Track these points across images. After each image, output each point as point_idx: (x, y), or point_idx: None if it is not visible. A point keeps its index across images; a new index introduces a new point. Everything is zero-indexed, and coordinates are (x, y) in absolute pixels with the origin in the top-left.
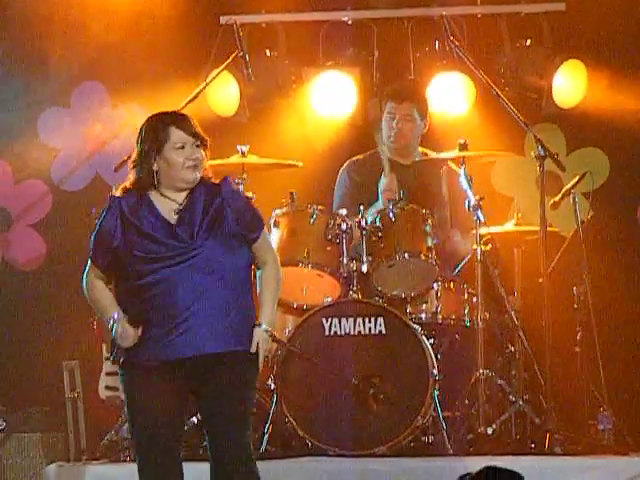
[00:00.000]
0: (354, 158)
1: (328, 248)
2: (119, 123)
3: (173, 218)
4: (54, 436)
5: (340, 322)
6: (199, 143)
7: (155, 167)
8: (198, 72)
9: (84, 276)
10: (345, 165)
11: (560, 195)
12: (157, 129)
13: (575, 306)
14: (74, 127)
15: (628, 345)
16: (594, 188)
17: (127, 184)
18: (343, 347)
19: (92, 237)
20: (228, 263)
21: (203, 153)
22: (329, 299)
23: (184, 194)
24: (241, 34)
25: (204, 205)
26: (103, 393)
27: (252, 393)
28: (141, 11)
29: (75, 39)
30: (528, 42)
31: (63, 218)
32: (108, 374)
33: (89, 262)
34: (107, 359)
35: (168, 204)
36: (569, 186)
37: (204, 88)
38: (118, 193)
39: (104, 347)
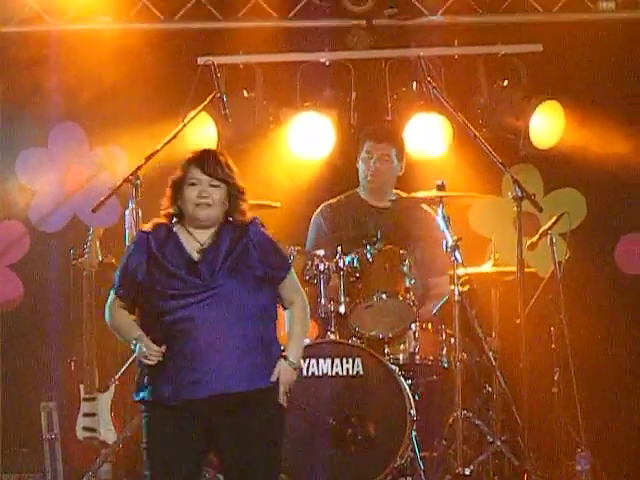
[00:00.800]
0: (328, 202)
1: (305, 289)
2: (97, 164)
3: (196, 255)
4: (32, 477)
5: (318, 363)
6: (216, 183)
7: (179, 203)
8: (176, 113)
9: (107, 306)
10: (319, 209)
11: (537, 236)
12: (182, 166)
13: (553, 346)
14: (52, 168)
15: (605, 385)
16: (571, 228)
17: (159, 218)
18: (321, 388)
19: (118, 270)
20: (251, 302)
21: (222, 193)
22: (307, 340)
23: (210, 232)
24: (219, 75)
25: (229, 244)
26: (80, 434)
27: (279, 434)
28: (119, 52)
29: (53, 80)
30: (505, 83)
31: (41, 259)
32: (85, 415)
33: (112, 293)
34: (85, 400)
35: (193, 241)
36: (546, 227)
37: (182, 129)
38: (148, 227)
39: (81, 388)
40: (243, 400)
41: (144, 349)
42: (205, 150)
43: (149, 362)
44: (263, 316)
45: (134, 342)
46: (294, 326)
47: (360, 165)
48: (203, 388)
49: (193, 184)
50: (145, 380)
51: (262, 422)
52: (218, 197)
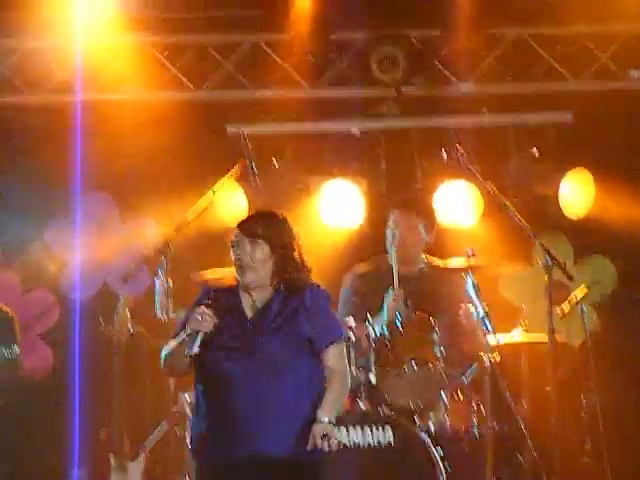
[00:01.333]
0: (356, 271)
1: None
2: (127, 233)
3: (249, 313)
4: None
5: (348, 432)
6: (256, 240)
7: None
8: (206, 182)
9: (163, 351)
10: (347, 278)
11: (568, 305)
12: None
13: (583, 415)
14: (82, 237)
15: (637, 456)
16: (601, 296)
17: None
18: (351, 458)
19: (181, 320)
20: (294, 365)
21: (264, 251)
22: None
23: (268, 292)
24: (248, 144)
25: (279, 305)
26: None
27: None
28: (149, 122)
29: (83, 150)
30: (535, 151)
31: (71, 328)
32: None
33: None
34: (115, 469)
35: (250, 300)
36: (577, 298)
37: (212, 199)
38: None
39: (111, 458)
40: (281, 464)
41: (195, 315)
42: (252, 215)
43: (203, 328)
44: (307, 381)
45: (187, 335)
46: (329, 393)
47: (388, 233)
48: (242, 449)
49: (234, 244)
50: (193, 436)
51: None
52: (259, 256)
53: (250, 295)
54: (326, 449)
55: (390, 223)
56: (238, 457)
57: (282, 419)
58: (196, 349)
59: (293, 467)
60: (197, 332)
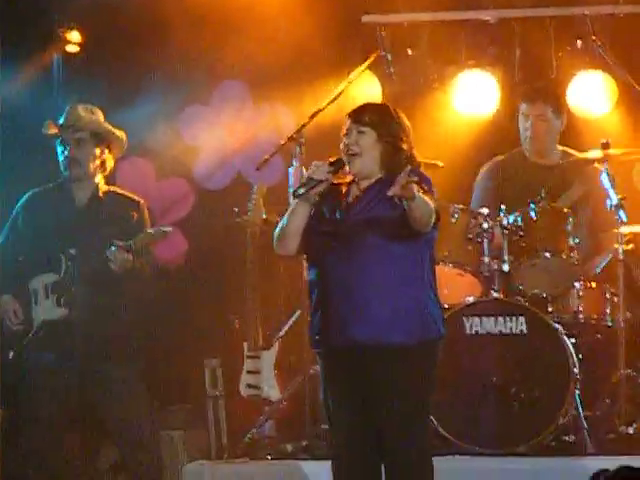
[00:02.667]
0: (496, 159)
1: (469, 247)
2: (261, 122)
3: (349, 200)
4: (195, 434)
5: (481, 321)
6: (363, 129)
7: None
8: (341, 71)
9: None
10: (485, 167)
11: None
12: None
13: None
14: (215, 126)
15: None
16: None
17: None
18: (484, 346)
19: None
20: (391, 250)
21: (369, 139)
22: (470, 298)
23: (373, 181)
24: (383, 33)
25: (377, 192)
26: (244, 391)
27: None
28: (283, 12)
29: (217, 38)
30: None
31: (205, 217)
32: (249, 372)
33: None
34: (248, 357)
35: (356, 190)
36: None
37: (346, 87)
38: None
39: (245, 345)
40: (396, 351)
41: (312, 168)
42: (362, 105)
43: (317, 175)
44: (413, 266)
45: (299, 192)
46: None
47: (520, 126)
48: (356, 334)
49: (345, 133)
50: (314, 326)
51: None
52: (364, 143)
53: (358, 185)
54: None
55: (520, 116)
56: (354, 342)
57: (391, 304)
58: (302, 191)
59: (408, 355)
60: (310, 179)
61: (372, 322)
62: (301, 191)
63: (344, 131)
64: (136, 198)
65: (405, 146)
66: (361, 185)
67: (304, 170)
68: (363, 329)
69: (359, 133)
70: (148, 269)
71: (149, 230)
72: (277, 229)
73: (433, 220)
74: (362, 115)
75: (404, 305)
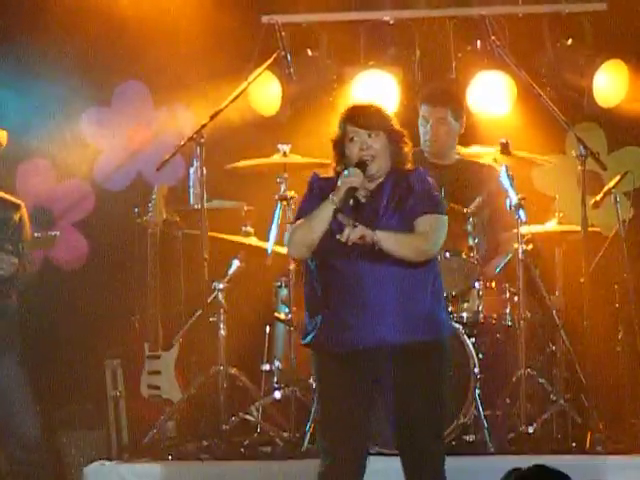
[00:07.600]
0: None
1: None
2: (161, 123)
3: (362, 198)
4: (96, 434)
5: None
6: (374, 133)
7: (344, 161)
8: (240, 71)
9: (286, 243)
10: None
11: (601, 194)
12: (339, 125)
13: (617, 305)
14: (115, 127)
15: None
16: (635, 187)
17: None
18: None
19: (295, 215)
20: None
21: (382, 141)
22: None
23: (377, 182)
24: (282, 34)
25: (391, 189)
26: (145, 392)
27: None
28: (182, 12)
29: (117, 38)
30: (569, 41)
31: (105, 217)
32: (150, 373)
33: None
34: (149, 357)
35: (362, 189)
36: (610, 185)
37: (246, 88)
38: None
39: (146, 346)
40: (403, 351)
41: (346, 174)
42: (355, 105)
43: (353, 182)
44: (422, 267)
45: (333, 199)
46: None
47: (420, 127)
48: (364, 337)
49: (352, 139)
50: (310, 325)
51: (422, 374)
52: (379, 146)
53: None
54: (343, 239)
55: (420, 118)
56: (363, 346)
57: (406, 304)
58: (352, 202)
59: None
60: (352, 188)
61: (390, 323)
62: (351, 202)
63: (349, 135)
64: (17, 201)
65: (407, 145)
66: (369, 186)
67: (204, 170)
68: (388, 330)
69: (371, 137)
70: (30, 269)
71: (36, 234)
72: (293, 234)
73: (428, 248)
74: (370, 119)
75: (418, 306)
